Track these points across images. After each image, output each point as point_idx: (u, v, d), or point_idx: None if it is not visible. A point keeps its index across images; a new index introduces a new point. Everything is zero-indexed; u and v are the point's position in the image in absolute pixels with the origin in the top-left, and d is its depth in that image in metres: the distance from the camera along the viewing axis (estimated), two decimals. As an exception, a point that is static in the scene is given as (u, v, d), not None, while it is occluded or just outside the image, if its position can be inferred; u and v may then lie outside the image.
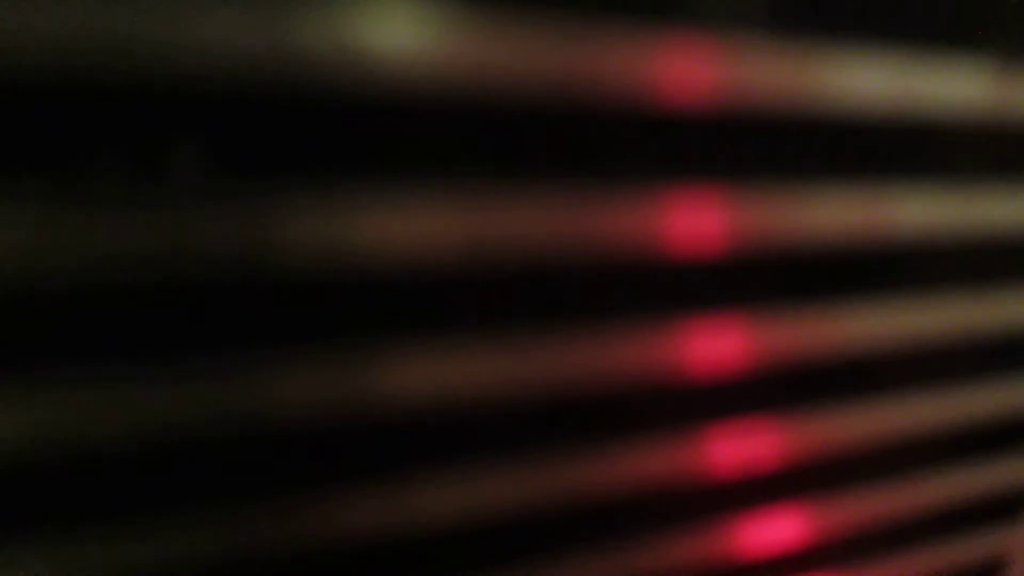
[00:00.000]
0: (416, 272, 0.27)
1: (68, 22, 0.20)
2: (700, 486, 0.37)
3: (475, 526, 0.32)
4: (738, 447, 0.37)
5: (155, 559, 0.26)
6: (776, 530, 0.40)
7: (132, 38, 0.21)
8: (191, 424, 0.25)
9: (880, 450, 0.41)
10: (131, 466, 0.25)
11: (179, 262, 0.23)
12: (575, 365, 0.31)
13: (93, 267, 0.23)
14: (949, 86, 0.34)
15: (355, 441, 0.28)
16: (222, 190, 0.24)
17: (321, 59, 0.23)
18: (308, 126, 0.24)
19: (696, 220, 0.31)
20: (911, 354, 0.39)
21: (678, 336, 0.33)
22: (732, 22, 0.29)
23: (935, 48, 0.33)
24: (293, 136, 0.24)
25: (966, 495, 0.47)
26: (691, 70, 0.28)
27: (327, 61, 0.23)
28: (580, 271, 0.29)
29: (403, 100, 0.25)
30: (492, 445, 0.31)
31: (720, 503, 0.38)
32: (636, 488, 0.35)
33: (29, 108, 0.21)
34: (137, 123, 0.22)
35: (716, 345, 0.34)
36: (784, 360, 0.35)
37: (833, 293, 0.35)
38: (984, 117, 0.35)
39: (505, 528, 0.32)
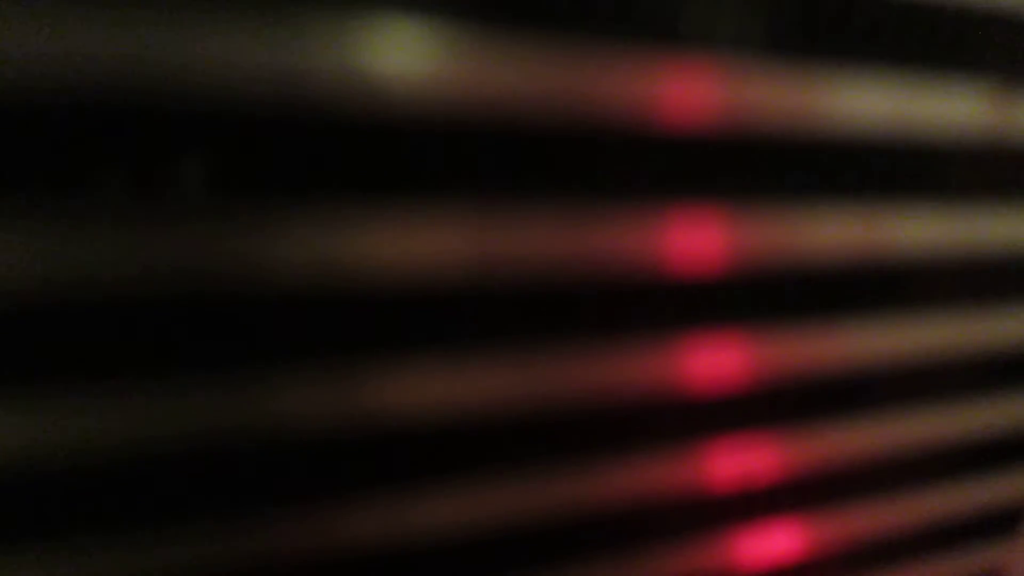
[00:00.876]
0: (419, 289, 0.27)
1: (80, 43, 0.21)
2: (700, 500, 0.37)
3: (472, 539, 0.32)
4: (739, 461, 0.37)
5: (154, 568, 0.27)
6: (775, 543, 0.41)
7: (139, 58, 0.21)
8: (193, 434, 0.26)
9: (879, 464, 0.42)
10: (129, 477, 0.26)
11: (192, 277, 0.24)
12: (577, 381, 0.31)
13: (93, 280, 0.23)
14: (947, 108, 0.34)
15: (357, 454, 0.29)
16: (229, 207, 0.24)
17: (329, 81, 0.24)
18: (314, 147, 0.24)
19: (698, 239, 0.31)
20: (910, 370, 0.39)
21: (680, 353, 0.33)
22: (735, 46, 0.29)
23: (934, 71, 0.33)
24: (301, 156, 0.24)
25: (964, 509, 0.47)
26: (694, 93, 0.29)
27: (334, 83, 0.24)
28: (583, 289, 0.30)
29: (407, 121, 0.25)
30: (492, 459, 0.31)
31: (720, 517, 0.38)
32: (637, 501, 0.35)
33: (34, 125, 0.21)
34: (144, 142, 0.23)
35: (718, 362, 0.34)
36: (786, 376, 0.36)
37: (833, 311, 0.36)
38: (982, 138, 0.36)
39: (505, 541, 0.33)
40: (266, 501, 0.28)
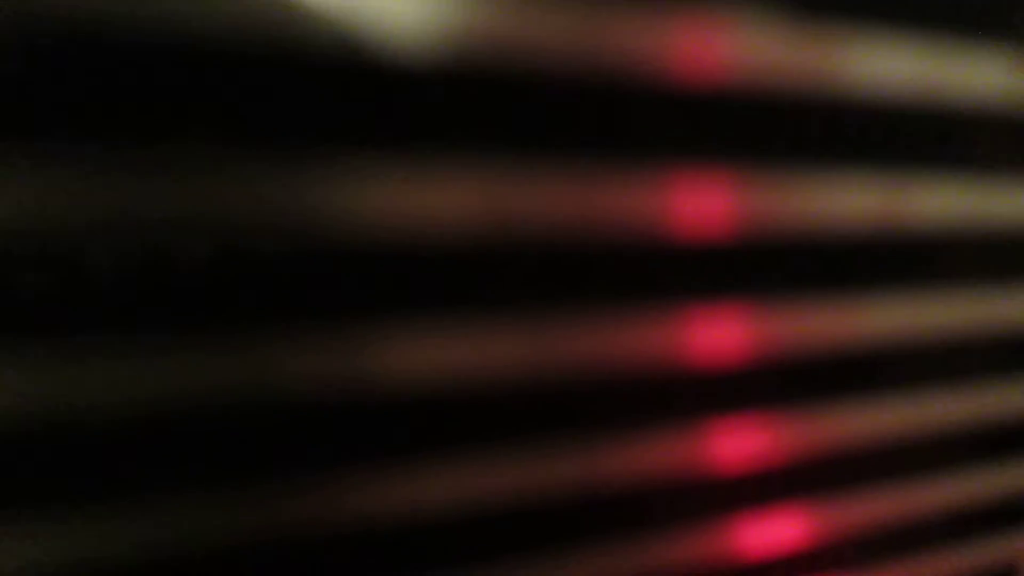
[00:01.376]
0: (423, 248, 0.26)
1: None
2: (707, 481, 0.36)
3: (468, 517, 0.31)
4: (747, 442, 0.36)
5: (149, 538, 0.26)
6: (781, 531, 0.40)
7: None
8: (195, 398, 0.25)
9: (891, 449, 0.41)
10: (130, 443, 0.25)
11: (201, 230, 0.23)
12: (581, 350, 0.30)
13: (96, 234, 0.22)
14: (973, 74, 0.33)
15: (359, 423, 0.28)
16: (242, 158, 0.23)
17: (337, 26, 0.23)
18: (323, 95, 0.23)
19: (712, 203, 0.30)
20: (926, 349, 0.39)
21: (689, 324, 0.32)
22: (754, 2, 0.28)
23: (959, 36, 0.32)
24: (306, 106, 0.23)
25: (979, 498, 0.46)
26: (712, 48, 0.28)
27: (343, 28, 0.23)
28: (591, 252, 0.29)
29: (408, 72, 0.24)
30: (484, 434, 0.30)
31: (725, 500, 0.38)
32: (643, 480, 0.34)
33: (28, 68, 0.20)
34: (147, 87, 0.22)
35: (728, 334, 0.33)
36: (798, 352, 0.35)
37: (848, 283, 0.35)
38: (1008, 107, 0.35)
39: (500, 520, 0.32)
40: (260, 473, 0.27)
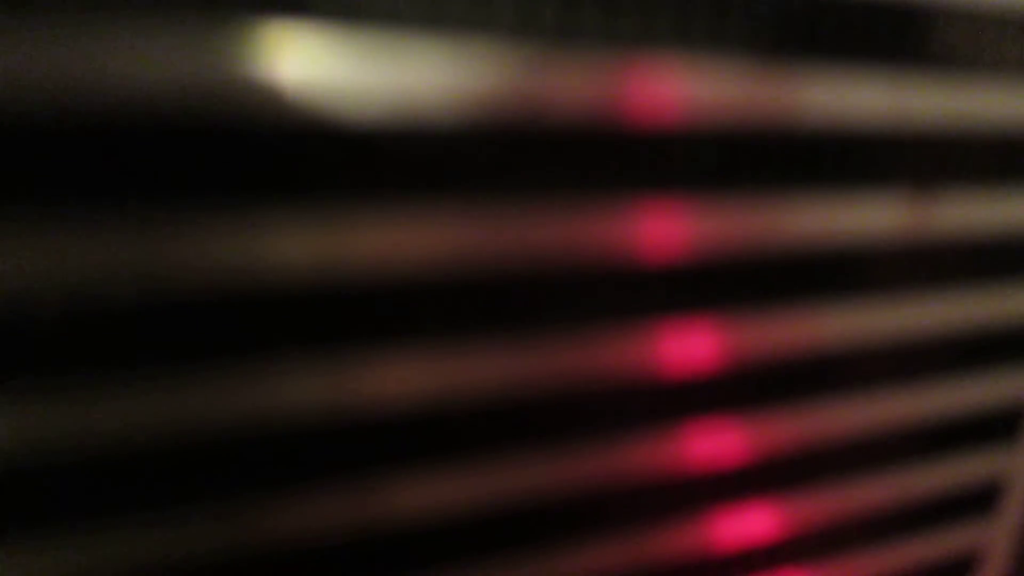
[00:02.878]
0: (399, 282, 0.27)
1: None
2: (677, 483, 0.37)
3: (445, 527, 0.32)
4: (718, 444, 0.37)
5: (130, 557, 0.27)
6: (749, 526, 0.41)
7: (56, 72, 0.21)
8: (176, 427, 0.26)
9: (853, 445, 0.42)
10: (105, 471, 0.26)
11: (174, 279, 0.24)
12: (550, 370, 0.31)
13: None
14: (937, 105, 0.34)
15: (332, 448, 0.29)
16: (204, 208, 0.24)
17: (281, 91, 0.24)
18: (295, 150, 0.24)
19: (668, 229, 0.31)
20: (882, 352, 0.40)
21: (659, 337, 0.33)
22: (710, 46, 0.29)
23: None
24: (266, 162, 0.24)
25: (941, 489, 0.47)
26: (677, 91, 0.29)
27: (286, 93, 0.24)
28: (557, 279, 0.30)
29: (380, 130, 0.25)
30: (465, 446, 0.31)
31: (697, 499, 0.39)
32: (611, 486, 0.35)
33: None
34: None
35: (690, 347, 0.34)
36: (763, 358, 0.36)
37: (803, 296, 0.36)
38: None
39: (477, 528, 0.33)
40: (237, 494, 0.28)
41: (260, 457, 0.28)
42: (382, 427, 0.29)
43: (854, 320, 0.38)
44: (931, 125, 0.35)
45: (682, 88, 0.29)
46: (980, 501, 0.50)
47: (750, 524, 0.41)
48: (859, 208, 0.35)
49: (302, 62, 0.24)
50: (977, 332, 0.43)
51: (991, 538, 0.51)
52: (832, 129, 0.33)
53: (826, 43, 0.32)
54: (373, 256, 0.27)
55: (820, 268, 0.36)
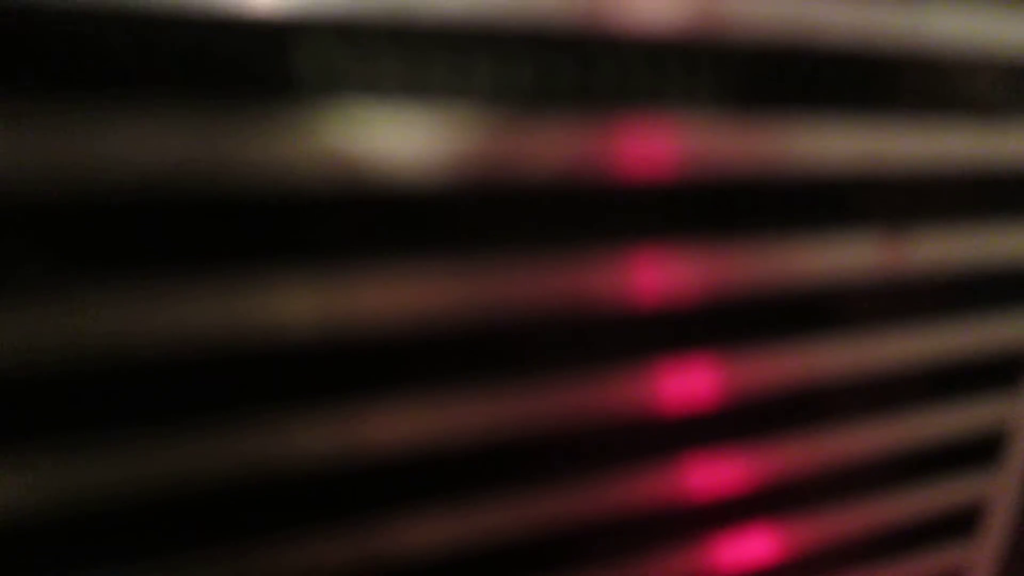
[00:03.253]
0: (388, 335, 0.29)
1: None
2: (675, 512, 0.39)
3: (446, 560, 0.33)
4: (715, 474, 0.39)
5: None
6: (743, 553, 0.42)
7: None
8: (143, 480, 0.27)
9: (839, 471, 0.43)
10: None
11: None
12: (547, 412, 0.33)
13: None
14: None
15: (337, 488, 0.30)
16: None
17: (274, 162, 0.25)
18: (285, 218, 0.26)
19: (649, 276, 0.33)
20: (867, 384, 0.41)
21: (651, 378, 0.35)
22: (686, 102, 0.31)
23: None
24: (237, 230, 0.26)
25: (924, 510, 0.48)
26: (663, 144, 0.30)
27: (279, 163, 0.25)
28: (550, 326, 0.31)
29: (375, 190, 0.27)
30: (459, 483, 0.33)
31: (692, 527, 0.40)
32: (606, 519, 0.37)
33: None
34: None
35: (675, 386, 0.36)
36: (745, 393, 0.37)
37: (782, 333, 0.37)
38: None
39: (479, 560, 0.34)
40: (228, 540, 0.29)
41: (262, 504, 0.29)
42: (381, 472, 0.31)
43: (838, 353, 0.39)
44: (902, 168, 0.37)
45: (659, 143, 0.31)
46: (963, 522, 0.50)
47: (746, 547, 0.42)
48: (836, 249, 0.37)
49: (297, 136, 0.25)
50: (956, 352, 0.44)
51: (974, 556, 0.52)
52: (804, 175, 0.35)
53: (796, 94, 0.33)
54: (374, 310, 0.28)
55: (802, 307, 0.37)
